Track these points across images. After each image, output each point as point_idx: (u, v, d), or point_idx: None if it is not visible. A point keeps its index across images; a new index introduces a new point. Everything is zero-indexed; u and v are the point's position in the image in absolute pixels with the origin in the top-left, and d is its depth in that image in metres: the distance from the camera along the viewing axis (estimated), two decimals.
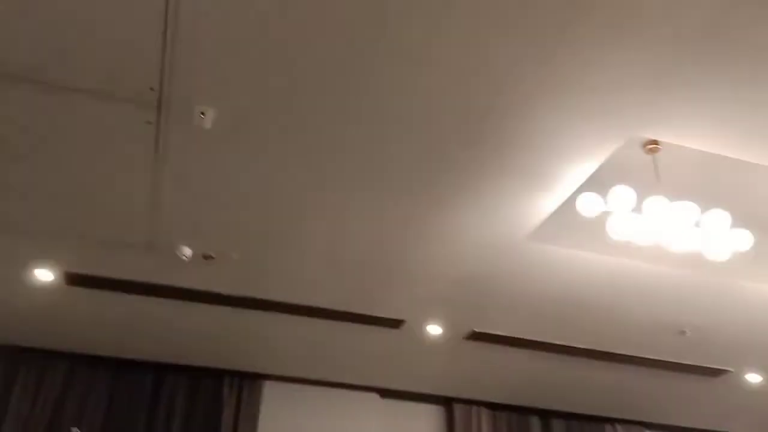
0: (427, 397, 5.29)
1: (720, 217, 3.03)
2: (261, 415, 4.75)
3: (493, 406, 5.32)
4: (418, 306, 3.98)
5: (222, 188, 2.98)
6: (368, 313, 4.02)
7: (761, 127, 2.73)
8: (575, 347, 4.29)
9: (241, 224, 3.23)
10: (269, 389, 4.85)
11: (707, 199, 3.07)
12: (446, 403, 5.30)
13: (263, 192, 3.01)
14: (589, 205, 3.01)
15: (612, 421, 5.54)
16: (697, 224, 3.06)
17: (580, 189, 3.02)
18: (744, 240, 3.09)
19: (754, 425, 5.78)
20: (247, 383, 4.77)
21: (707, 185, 3.24)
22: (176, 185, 2.94)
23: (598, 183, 3.04)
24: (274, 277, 3.69)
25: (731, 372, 4.62)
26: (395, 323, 4.12)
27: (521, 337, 4.20)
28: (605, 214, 3.02)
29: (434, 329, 4.21)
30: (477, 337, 4.24)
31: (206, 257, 3.39)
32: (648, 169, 3.04)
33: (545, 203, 3.11)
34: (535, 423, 5.38)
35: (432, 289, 3.80)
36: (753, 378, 4.70)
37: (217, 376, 4.76)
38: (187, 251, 3.29)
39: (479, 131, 2.65)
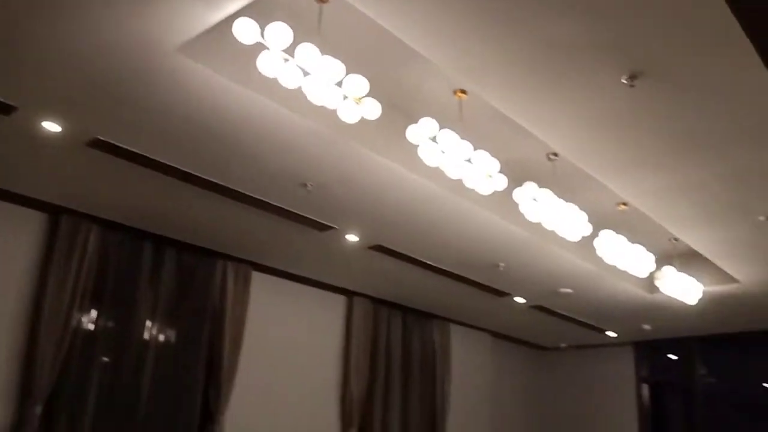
0: (31, 201, 4.81)
1: (359, 84, 3.23)
2: None
3: (105, 224, 5.10)
4: (37, 95, 3.48)
5: None
6: None
7: (438, 21, 2.92)
8: (200, 177, 4.27)
9: None
10: None
11: (358, 65, 3.23)
12: (53, 212, 4.90)
13: None
14: (246, 31, 2.92)
15: (224, 257, 5.82)
16: (339, 84, 3.22)
17: (242, 12, 2.90)
18: (374, 109, 3.37)
19: (346, 278, 6.68)
20: None
21: (366, 52, 3.42)
22: None
23: (261, 13, 2.95)
24: None
25: (336, 229, 5.17)
26: (4, 108, 3.56)
27: (147, 155, 4.01)
28: (260, 47, 2.98)
29: (52, 126, 3.75)
30: (100, 145, 3.90)
31: None
32: (313, 17, 3.06)
33: (205, 17, 2.91)
34: (148, 248, 5.35)
35: (59, 80, 3.33)
36: (351, 237, 5.35)
37: None
38: None
39: None
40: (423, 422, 7.58)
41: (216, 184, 4.38)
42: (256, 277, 6.14)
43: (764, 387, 8.54)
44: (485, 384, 8.70)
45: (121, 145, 3.92)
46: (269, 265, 6.20)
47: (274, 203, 4.67)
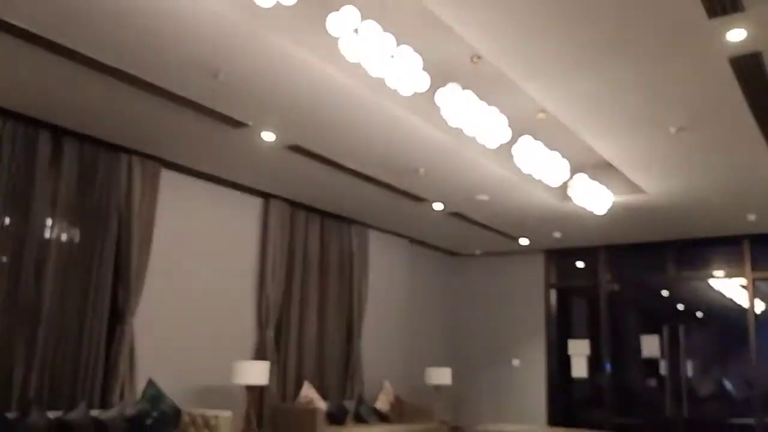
0: None
1: None
2: None
3: None
4: None
5: None
6: None
7: None
8: (102, 62, 3.92)
9: None
10: None
11: None
12: None
13: None
14: None
15: (130, 152, 5.51)
16: None
17: None
18: None
19: (262, 179, 6.50)
20: None
21: None
22: None
23: None
24: None
25: (251, 126, 4.95)
26: None
27: (45, 36, 3.60)
28: None
29: None
30: None
31: None
32: None
33: None
34: (45, 139, 4.96)
35: None
36: (267, 136, 5.14)
37: None
38: None
39: None
40: (340, 324, 7.71)
41: (119, 71, 4.04)
42: (166, 175, 5.87)
43: (661, 295, 9.13)
44: (402, 288, 8.90)
45: (14, 23, 3.50)
46: (180, 162, 5.93)
47: (183, 94, 4.38)
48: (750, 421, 7.96)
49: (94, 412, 4.95)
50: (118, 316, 5.39)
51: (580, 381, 9.21)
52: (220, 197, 6.45)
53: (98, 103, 4.57)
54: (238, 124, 4.87)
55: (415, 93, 4.58)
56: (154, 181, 5.69)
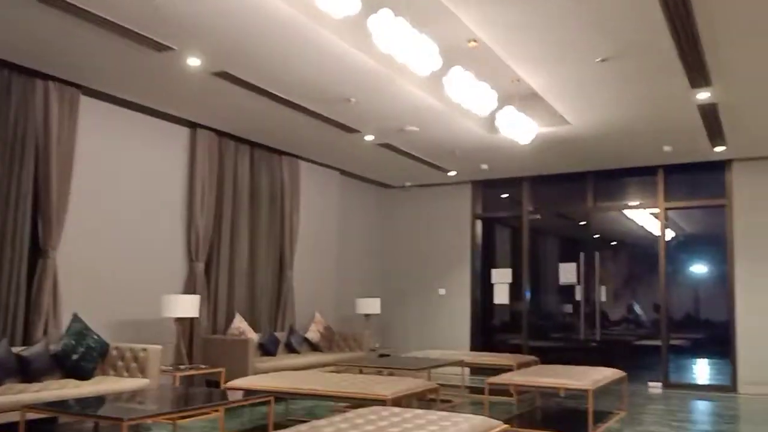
0: None
1: None
2: None
3: None
4: None
5: None
6: None
7: None
8: None
9: None
10: None
11: None
12: None
13: None
14: None
15: (45, 77, 5.19)
16: None
17: None
18: None
19: (188, 108, 6.28)
20: None
21: None
22: None
23: None
24: None
25: (175, 50, 4.74)
26: None
27: None
28: None
29: None
30: None
31: None
32: None
33: None
34: None
35: None
36: (193, 61, 4.94)
37: None
38: None
39: None
40: (271, 256, 7.70)
41: None
42: (86, 102, 5.59)
43: (579, 224, 9.54)
44: (333, 220, 8.94)
45: None
46: (100, 89, 5.64)
47: (101, 14, 4.12)
48: (657, 342, 8.57)
49: (17, 349, 4.81)
50: (39, 250, 5.19)
51: (501, 308, 9.63)
52: (144, 126, 6.21)
53: (8, 23, 4.25)
54: (161, 47, 4.66)
55: (347, 19, 4.49)
56: (73, 108, 5.40)
